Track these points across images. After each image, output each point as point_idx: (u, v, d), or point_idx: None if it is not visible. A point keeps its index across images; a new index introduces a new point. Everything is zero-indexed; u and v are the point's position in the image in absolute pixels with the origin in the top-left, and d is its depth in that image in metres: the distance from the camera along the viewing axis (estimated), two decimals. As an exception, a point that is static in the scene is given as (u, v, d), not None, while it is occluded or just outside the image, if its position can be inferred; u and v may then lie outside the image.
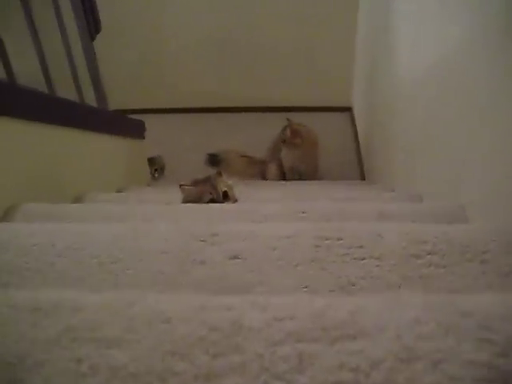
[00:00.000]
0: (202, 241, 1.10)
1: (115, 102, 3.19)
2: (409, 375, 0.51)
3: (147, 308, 0.60)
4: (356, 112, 4.32)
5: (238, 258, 1.06)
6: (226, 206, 1.65)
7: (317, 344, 0.55)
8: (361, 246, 1.05)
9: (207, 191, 1.75)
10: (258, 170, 3.87)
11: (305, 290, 0.99)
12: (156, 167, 3.79)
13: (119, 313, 0.60)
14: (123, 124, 2.97)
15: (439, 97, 1.77)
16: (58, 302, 0.61)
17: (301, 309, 0.59)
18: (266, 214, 1.47)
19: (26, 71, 2.20)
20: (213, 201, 1.72)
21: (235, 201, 1.80)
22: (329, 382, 0.51)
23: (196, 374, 0.53)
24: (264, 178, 3.82)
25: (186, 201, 1.76)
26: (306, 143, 3.51)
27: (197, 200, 1.73)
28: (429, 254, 1.02)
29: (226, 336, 0.56)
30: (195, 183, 1.81)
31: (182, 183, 1.79)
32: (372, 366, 0.52)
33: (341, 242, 1.07)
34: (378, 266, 1.01)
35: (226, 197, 1.75)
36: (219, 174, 1.84)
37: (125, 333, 0.57)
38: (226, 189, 1.77)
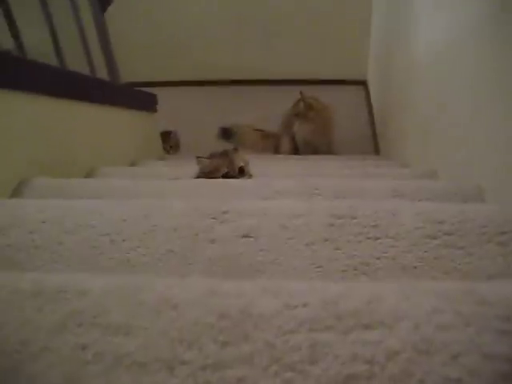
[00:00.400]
0: (213, 218, 1.08)
1: (128, 75, 3.15)
2: (427, 368, 0.48)
3: (155, 293, 0.58)
4: (371, 85, 4.25)
5: (250, 237, 1.04)
6: (239, 181, 1.62)
7: (330, 333, 0.52)
8: (376, 226, 1.03)
9: (223, 165, 1.73)
10: (271, 144, 3.83)
11: (318, 270, 0.97)
12: (171, 144, 3.76)
13: (127, 298, 0.58)
14: (135, 97, 2.94)
15: (454, 73, 1.73)
16: (63, 286, 0.59)
17: (314, 296, 0.57)
18: (278, 189, 1.44)
19: (37, 44, 2.17)
20: (228, 175, 1.70)
21: (250, 176, 1.78)
22: (342, 374, 0.49)
23: (204, 364, 0.51)
24: (277, 151, 3.78)
25: (201, 173, 1.74)
26: (320, 117, 3.46)
27: (212, 173, 1.71)
28: (445, 234, 0.99)
29: (235, 324, 0.54)
30: (212, 157, 1.79)
31: (198, 155, 1.76)
32: (388, 357, 0.50)
33: (355, 220, 1.05)
34: (393, 246, 0.99)
35: (241, 172, 1.74)
36: (236, 149, 1.82)
37: (132, 319, 0.56)
38: (242, 164, 1.75)
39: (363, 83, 4.39)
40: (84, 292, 0.59)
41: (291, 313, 0.54)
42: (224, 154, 1.78)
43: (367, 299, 0.55)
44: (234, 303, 0.56)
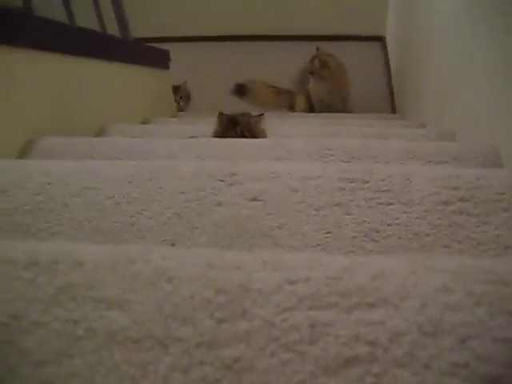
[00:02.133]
0: (221, 180, 1.05)
1: (139, 30, 3.08)
2: (433, 352, 0.46)
3: (151, 265, 0.56)
4: (389, 42, 4.13)
5: (258, 200, 1.01)
6: (252, 140, 1.59)
7: (332, 312, 0.50)
8: (388, 191, 0.99)
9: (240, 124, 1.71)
10: (285, 102, 3.79)
11: (326, 236, 0.94)
12: (181, 95, 3.71)
13: (121, 270, 0.55)
14: (147, 54, 2.88)
15: (475, 31, 1.66)
16: (57, 257, 0.57)
17: (318, 270, 0.54)
18: (290, 149, 1.41)
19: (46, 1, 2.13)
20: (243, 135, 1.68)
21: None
22: (343, 356, 0.47)
23: (199, 342, 0.49)
24: (292, 109, 3.74)
25: (218, 130, 1.72)
26: (335, 75, 3.41)
27: (228, 130, 1.70)
28: (460, 200, 0.95)
29: (233, 299, 0.51)
30: (231, 116, 1.76)
31: (221, 112, 1.74)
32: (392, 339, 0.47)
33: (367, 185, 1.01)
34: (405, 212, 0.96)
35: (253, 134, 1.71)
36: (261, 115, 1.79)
37: (126, 293, 0.53)
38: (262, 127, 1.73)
39: (381, 39, 4.27)
40: (78, 263, 0.56)
41: (292, 288, 0.52)
42: (242, 115, 1.76)
43: (373, 275, 0.52)
44: (233, 277, 0.53)
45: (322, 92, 3.48)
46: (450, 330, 0.47)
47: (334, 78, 3.40)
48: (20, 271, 0.56)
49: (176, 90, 3.57)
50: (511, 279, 0.50)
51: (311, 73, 3.43)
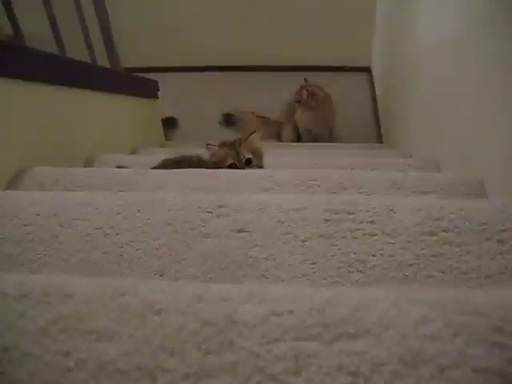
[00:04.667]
0: (209, 212, 1.07)
1: (128, 60, 3.12)
2: (413, 381, 0.47)
3: (140, 297, 0.57)
4: (375, 73, 4.21)
5: (245, 231, 1.03)
6: (240, 171, 1.60)
7: (316, 342, 0.51)
8: (372, 222, 1.02)
9: (230, 155, 1.71)
10: (273, 131, 3.82)
11: (312, 266, 0.96)
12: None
13: (110, 303, 0.57)
14: (136, 84, 2.92)
15: (459, 63, 1.70)
16: (47, 289, 0.58)
17: (301, 302, 0.55)
18: (277, 181, 1.43)
19: (35, 31, 2.15)
20: (233, 166, 1.69)
21: (260, 167, 1.75)
22: (326, 385, 0.48)
23: (186, 373, 0.50)
24: (279, 139, 3.77)
25: (210, 161, 1.72)
26: (321, 106, 3.44)
27: (219, 162, 1.70)
28: (443, 231, 0.98)
29: (219, 331, 0.53)
30: (222, 145, 1.76)
31: (208, 143, 1.74)
32: (373, 369, 0.48)
33: (352, 216, 1.03)
34: (389, 242, 0.98)
35: (248, 163, 1.71)
36: (245, 139, 1.79)
37: (115, 325, 0.54)
38: (249, 156, 1.72)
39: (367, 70, 4.34)
40: (68, 296, 0.58)
41: (277, 320, 0.53)
42: (232, 144, 1.76)
43: (355, 306, 0.54)
44: (219, 309, 0.55)
45: (309, 122, 3.51)
46: (430, 360, 0.48)
47: (320, 109, 3.44)
48: (11, 303, 0.57)
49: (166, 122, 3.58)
50: (488, 310, 0.52)
51: (298, 102, 3.47)
